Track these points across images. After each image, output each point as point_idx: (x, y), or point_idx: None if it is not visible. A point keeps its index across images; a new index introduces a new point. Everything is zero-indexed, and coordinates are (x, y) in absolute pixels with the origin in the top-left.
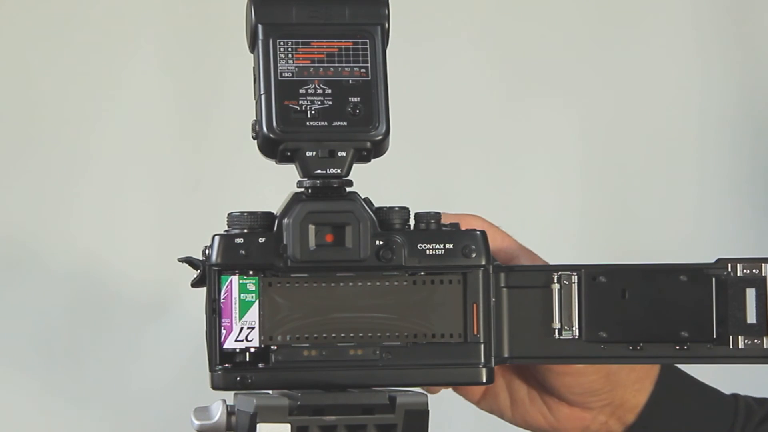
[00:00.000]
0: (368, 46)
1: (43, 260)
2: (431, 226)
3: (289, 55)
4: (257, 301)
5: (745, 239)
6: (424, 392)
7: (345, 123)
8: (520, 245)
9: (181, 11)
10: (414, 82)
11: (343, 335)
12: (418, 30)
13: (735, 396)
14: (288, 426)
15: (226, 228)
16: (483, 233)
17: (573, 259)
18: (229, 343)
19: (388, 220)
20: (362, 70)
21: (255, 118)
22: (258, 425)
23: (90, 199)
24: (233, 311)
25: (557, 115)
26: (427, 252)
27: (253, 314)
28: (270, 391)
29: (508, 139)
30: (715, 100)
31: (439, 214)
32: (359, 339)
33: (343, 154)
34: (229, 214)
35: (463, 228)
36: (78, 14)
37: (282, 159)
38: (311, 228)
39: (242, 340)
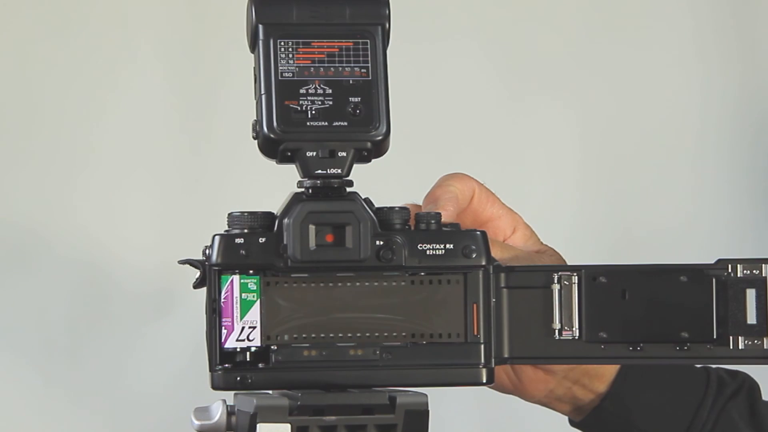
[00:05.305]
0: (369, 46)
1: (42, 260)
2: (431, 226)
3: (290, 55)
4: (258, 300)
5: (744, 239)
6: (424, 392)
7: (345, 123)
8: (505, 206)
9: (182, 11)
10: (414, 82)
11: (343, 335)
12: (419, 30)
13: (706, 368)
14: (288, 426)
15: (226, 228)
16: (483, 233)
17: (571, 259)
18: (230, 343)
19: (388, 220)
20: (363, 70)
21: (255, 118)
22: (258, 425)
23: (89, 199)
24: (234, 311)
25: (557, 115)
26: (428, 252)
27: (254, 313)
28: (270, 391)
29: (509, 140)
30: (714, 100)
31: (439, 214)
32: (359, 339)
33: (344, 154)
34: (229, 214)
35: (452, 181)
36: (78, 14)
37: (282, 159)
38: (311, 228)
39: (244, 340)
